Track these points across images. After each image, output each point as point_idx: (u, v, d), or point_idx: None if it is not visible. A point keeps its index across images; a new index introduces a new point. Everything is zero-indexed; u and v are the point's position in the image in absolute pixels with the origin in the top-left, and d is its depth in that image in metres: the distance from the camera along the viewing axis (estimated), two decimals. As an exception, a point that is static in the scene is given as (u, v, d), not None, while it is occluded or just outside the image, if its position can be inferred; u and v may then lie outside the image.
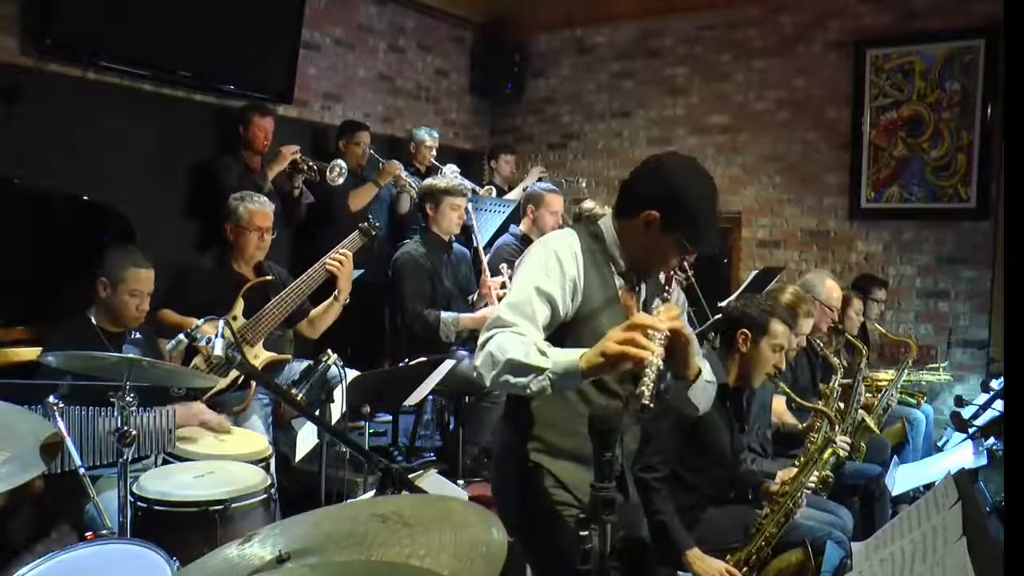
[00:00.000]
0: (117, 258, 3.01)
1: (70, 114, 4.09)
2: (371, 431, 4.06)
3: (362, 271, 4.07)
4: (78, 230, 3.68)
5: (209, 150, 4.69)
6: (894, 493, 3.52)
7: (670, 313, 1.80)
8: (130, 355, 2.56)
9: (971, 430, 3.58)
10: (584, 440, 1.57)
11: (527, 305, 1.87)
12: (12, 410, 2.07)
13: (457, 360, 3.75)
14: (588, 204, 4.73)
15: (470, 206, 4.42)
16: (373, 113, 5.95)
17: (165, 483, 2.55)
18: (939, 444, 4.53)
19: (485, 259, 4.47)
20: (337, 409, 2.86)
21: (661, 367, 1.71)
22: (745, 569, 2.65)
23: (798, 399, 3.27)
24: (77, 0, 4.02)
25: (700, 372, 1.96)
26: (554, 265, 1.93)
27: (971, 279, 5.35)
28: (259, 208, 3.58)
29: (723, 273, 6.13)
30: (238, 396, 3.32)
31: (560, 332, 1.93)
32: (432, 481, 2.86)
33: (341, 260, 3.58)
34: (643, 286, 2.09)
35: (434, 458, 4.47)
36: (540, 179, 6.01)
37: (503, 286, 4.20)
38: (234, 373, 3.18)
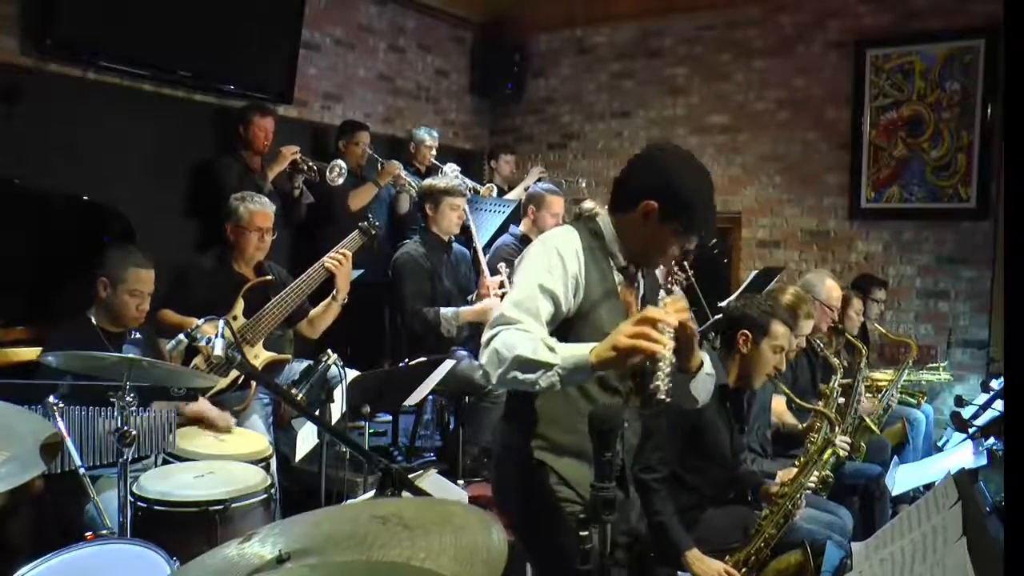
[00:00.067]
0: (117, 258, 3.01)
1: (70, 114, 4.09)
2: (371, 431, 4.05)
3: (362, 271, 4.08)
4: (78, 230, 3.68)
5: (209, 150, 4.69)
6: (894, 493, 3.52)
7: (677, 306, 1.84)
8: (130, 355, 2.56)
9: (971, 430, 3.58)
10: (585, 437, 1.58)
11: (531, 302, 1.88)
12: (12, 410, 2.07)
13: (457, 360, 3.75)
14: (588, 204, 4.73)
15: (467, 206, 4.42)
16: (373, 113, 5.95)
17: (165, 483, 2.55)
18: (939, 444, 4.53)
19: (484, 259, 4.47)
20: (337, 409, 2.86)
21: (674, 360, 1.73)
22: (744, 570, 2.65)
23: (798, 400, 3.27)
24: (77, 0, 4.02)
25: (702, 364, 2.00)
26: (557, 262, 1.93)
27: (971, 279, 5.35)
28: (260, 208, 3.58)
29: (723, 273, 6.14)
30: (238, 396, 3.33)
31: (561, 328, 1.94)
32: (432, 481, 2.86)
33: (340, 260, 3.58)
34: (641, 281, 2.11)
35: (434, 458, 4.47)
36: (540, 179, 6.01)
37: (502, 286, 4.20)
38: (234, 373, 3.18)
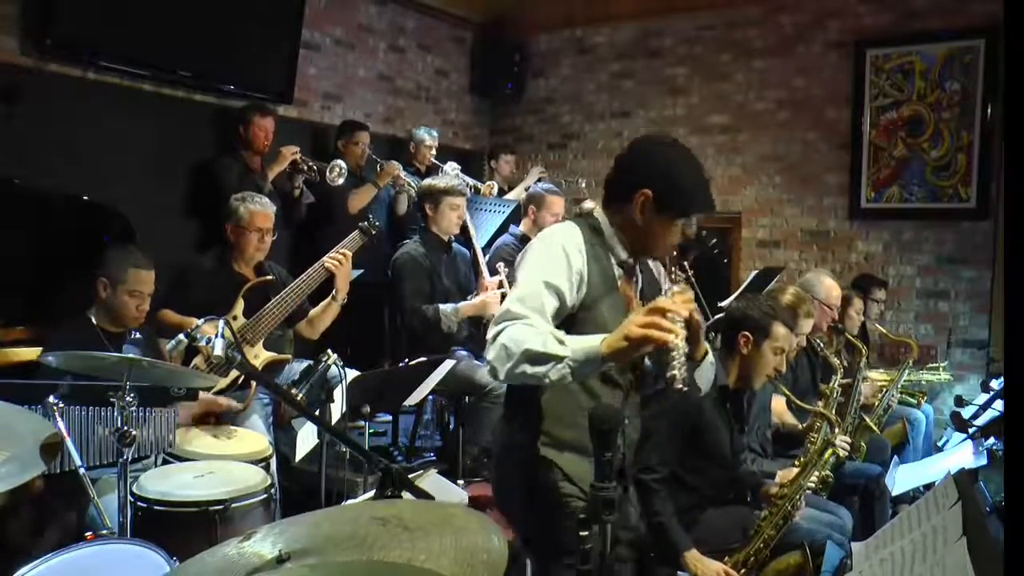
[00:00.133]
0: (117, 258, 3.01)
1: (70, 114, 4.09)
2: (371, 431, 4.06)
3: (361, 271, 4.08)
4: (78, 230, 3.68)
5: (209, 150, 4.69)
6: (894, 493, 3.52)
7: (684, 296, 1.89)
8: (130, 355, 2.56)
9: (971, 430, 3.58)
10: (587, 432, 1.60)
11: (536, 298, 1.89)
12: (12, 410, 2.07)
13: (457, 360, 3.75)
14: (588, 204, 4.71)
15: (466, 206, 4.42)
16: (373, 113, 5.95)
17: (165, 483, 2.55)
18: (939, 444, 4.53)
19: (483, 259, 4.47)
20: (337, 409, 2.86)
21: (686, 349, 1.76)
22: (743, 571, 2.65)
23: (798, 401, 3.26)
24: (77, 0, 4.02)
25: (707, 353, 2.07)
26: (561, 258, 1.95)
27: (971, 279, 5.35)
28: (260, 209, 3.58)
29: (723, 273, 6.14)
30: (238, 396, 3.32)
31: (563, 323, 1.95)
32: (432, 481, 2.85)
33: (340, 260, 3.58)
34: (639, 275, 2.14)
35: (434, 458, 4.47)
36: (540, 179, 6.01)
37: (501, 286, 4.21)
38: (234, 373, 3.18)
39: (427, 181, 4.45)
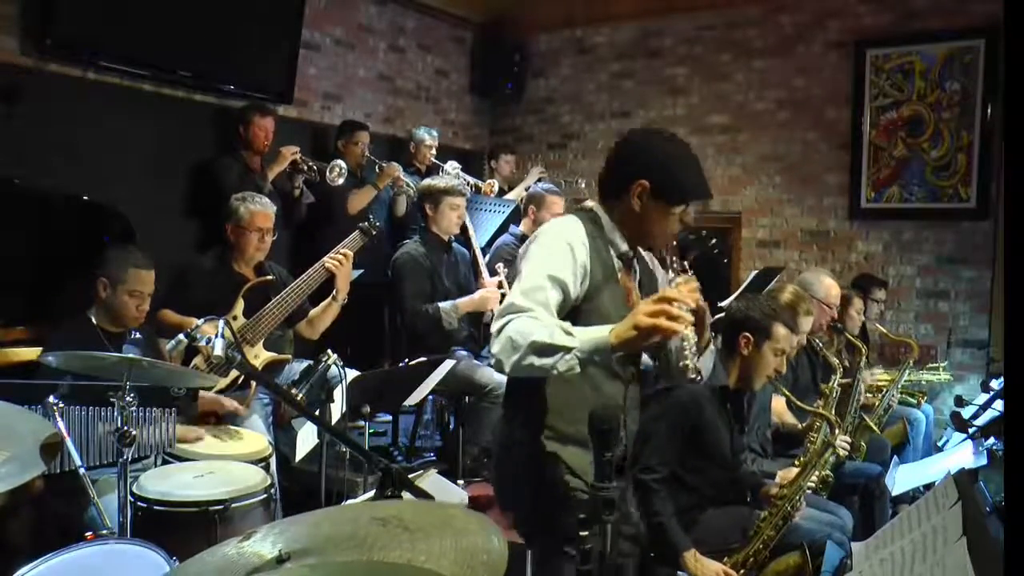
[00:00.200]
0: (117, 258, 3.01)
1: (70, 114, 4.09)
2: (371, 431, 4.06)
3: (362, 271, 4.08)
4: (78, 230, 3.68)
5: (209, 150, 4.69)
6: (894, 493, 3.52)
7: (689, 286, 1.94)
8: (130, 355, 2.56)
9: (971, 430, 3.58)
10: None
11: (540, 291, 1.89)
12: (12, 410, 2.07)
13: (457, 360, 3.75)
14: (588, 204, 4.70)
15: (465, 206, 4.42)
16: (373, 113, 5.95)
17: (165, 483, 2.55)
18: (939, 444, 4.53)
19: (482, 260, 4.47)
20: (337, 409, 2.87)
21: (695, 339, 1.77)
22: (743, 571, 2.64)
23: (798, 402, 3.26)
24: (77, 0, 4.02)
25: (710, 341, 2.12)
26: (566, 252, 1.96)
27: (971, 279, 5.35)
28: (260, 209, 3.58)
29: (723, 273, 6.14)
30: (238, 396, 3.33)
31: (566, 315, 1.96)
32: (432, 481, 2.85)
33: (341, 260, 3.58)
34: (637, 268, 2.17)
35: (434, 458, 4.47)
36: (540, 179, 6.01)
37: (500, 286, 4.21)
38: (234, 373, 3.19)
39: (427, 181, 4.45)
